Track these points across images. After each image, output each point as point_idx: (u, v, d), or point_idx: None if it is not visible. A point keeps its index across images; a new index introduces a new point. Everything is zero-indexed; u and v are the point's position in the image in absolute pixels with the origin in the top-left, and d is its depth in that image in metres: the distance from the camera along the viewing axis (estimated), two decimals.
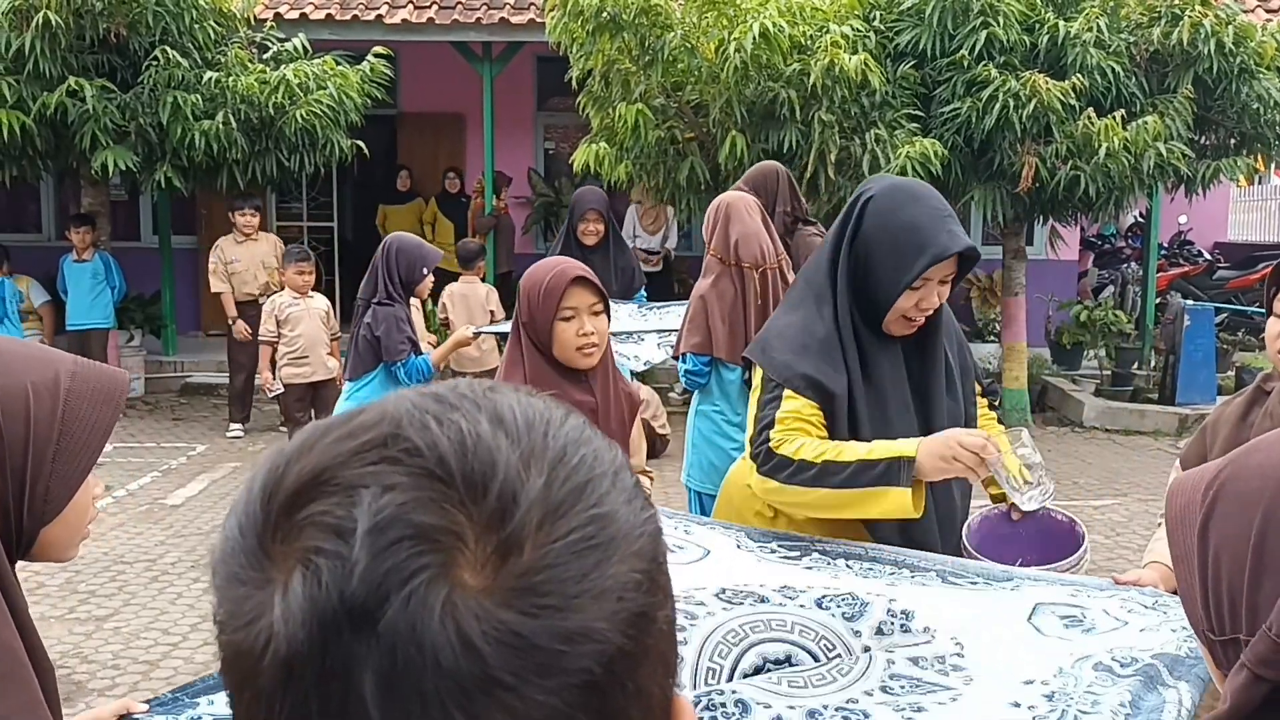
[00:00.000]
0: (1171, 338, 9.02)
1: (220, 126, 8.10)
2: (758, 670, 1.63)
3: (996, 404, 2.66)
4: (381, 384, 4.49)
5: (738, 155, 7.65)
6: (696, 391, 4.15)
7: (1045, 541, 2.26)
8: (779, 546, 2.14)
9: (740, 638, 1.68)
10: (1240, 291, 11.70)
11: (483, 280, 7.61)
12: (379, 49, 8.99)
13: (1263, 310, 2.96)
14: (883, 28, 8.03)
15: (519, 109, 11.58)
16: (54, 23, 7.76)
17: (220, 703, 1.58)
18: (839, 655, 1.67)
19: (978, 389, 2.61)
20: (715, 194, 5.25)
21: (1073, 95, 7.48)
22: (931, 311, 2.30)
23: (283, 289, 7.25)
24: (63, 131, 8.18)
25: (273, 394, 7.63)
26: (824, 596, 1.80)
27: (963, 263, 2.30)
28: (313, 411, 7.02)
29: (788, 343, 2.34)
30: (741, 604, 1.77)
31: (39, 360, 1.32)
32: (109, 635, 4.76)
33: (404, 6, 10.09)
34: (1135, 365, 9.92)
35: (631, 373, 5.58)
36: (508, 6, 10.08)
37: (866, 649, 1.69)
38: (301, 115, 8.31)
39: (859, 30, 7.71)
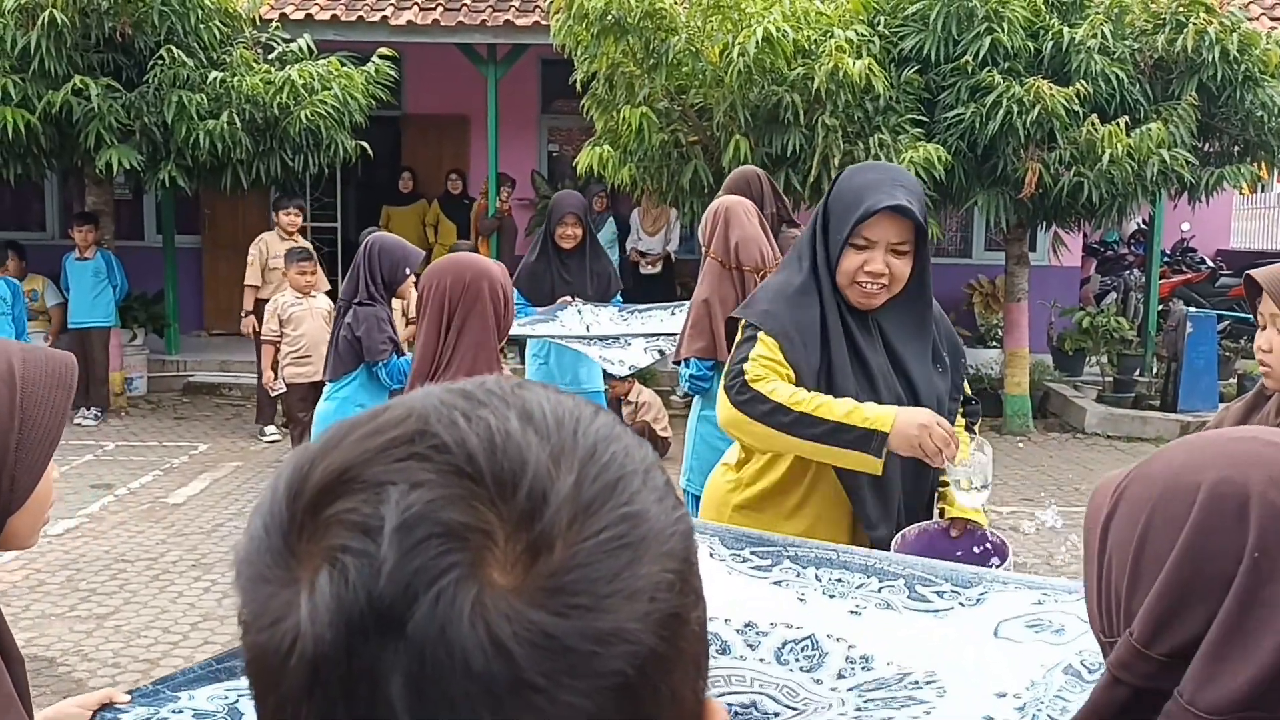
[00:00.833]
0: (1174, 345, 9.01)
1: (225, 126, 8.11)
2: None
3: (974, 425, 2.66)
4: (363, 385, 4.46)
5: (741, 159, 7.64)
6: (698, 396, 4.15)
7: (975, 561, 2.32)
8: (751, 554, 2.11)
9: None
10: (1243, 299, 11.66)
11: None
12: (384, 50, 9.00)
13: None
14: (887, 32, 8.04)
15: (523, 111, 11.60)
16: (60, 21, 7.77)
17: (201, 697, 1.57)
18: (805, 699, 1.67)
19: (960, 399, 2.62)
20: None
21: (1076, 101, 7.49)
22: (887, 282, 2.33)
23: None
24: (67, 130, 8.19)
25: (275, 393, 7.65)
26: (783, 646, 1.79)
27: (921, 237, 2.36)
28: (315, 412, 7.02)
29: (768, 294, 2.48)
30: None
31: None
32: (109, 633, 4.77)
33: (409, 8, 10.11)
34: (1137, 372, 9.91)
35: (627, 375, 5.57)
36: (513, 9, 10.10)
37: (834, 689, 1.69)
38: (306, 116, 8.31)
39: (863, 35, 7.72)
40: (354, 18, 9.91)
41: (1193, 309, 9.47)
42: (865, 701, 1.62)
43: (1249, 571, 0.96)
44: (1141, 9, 8.04)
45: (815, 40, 7.59)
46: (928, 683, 1.65)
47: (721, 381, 2.44)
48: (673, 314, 5.41)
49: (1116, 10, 8.02)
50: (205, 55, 8.43)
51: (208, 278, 11.77)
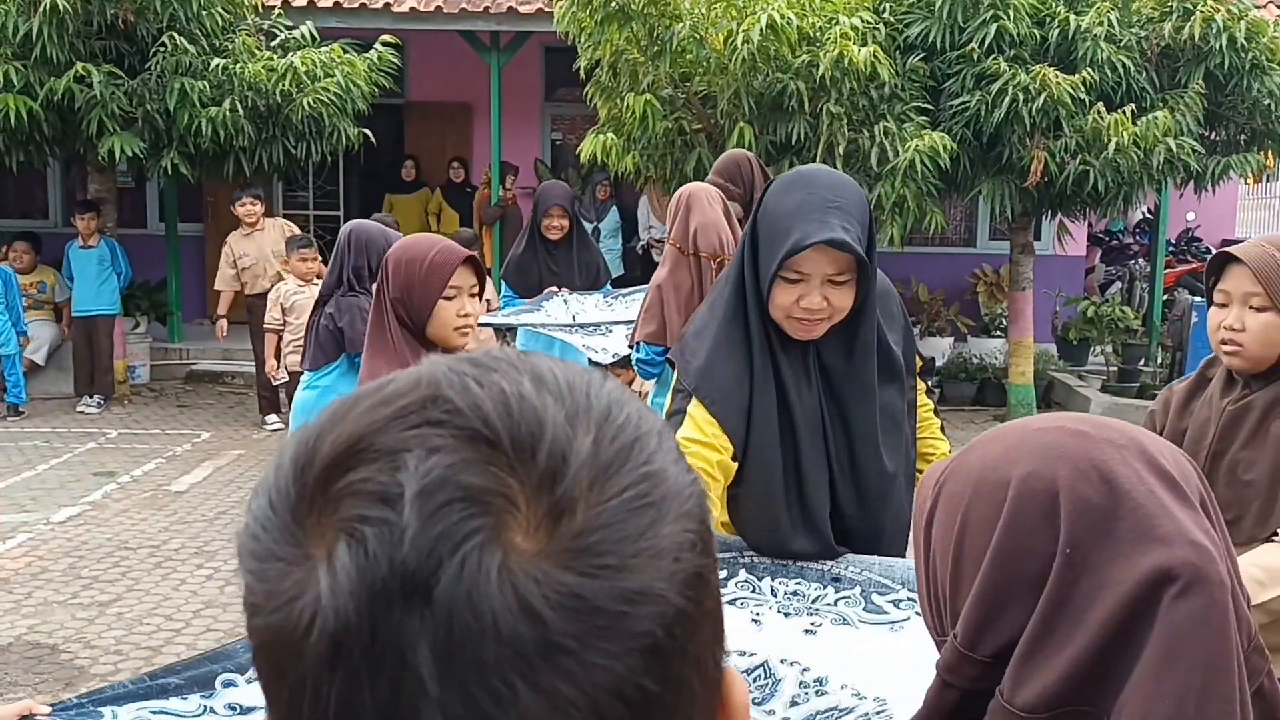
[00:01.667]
0: (1178, 334, 8.99)
1: (227, 114, 8.08)
2: None
3: (935, 393, 2.60)
4: (343, 375, 4.43)
5: (746, 147, 7.61)
6: (654, 383, 4.12)
7: None
8: None
9: None
10: None
11: None
12: (387, 37, 8.97)
13: None
14: (892, 20, 8.00)
15: (526, 99, 11.56)
16: (62, 8, 7.74)
17: (125, 715, 1.51)
18: None
19: (931, 414, 2.54)
20: None
21: (1083, 89, 7.45)
22: (826, 315, 2.06)
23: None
24: (70, 117, 8.17)
25: (278, 382, 7.64)
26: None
27: (866, 267, 2.06)
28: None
29: (698, 336, 2.21)
30: None
31: None
32: (112, 620, 4.77)
33: None
34: (1142, 362, 9.89)
35: (611, 363, 5.52)
36: None
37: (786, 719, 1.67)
38: (308, 103, 8.29)
39: (868, 22, 7.68)
40: (357, 4, 9.87)
41: (1198, 298, 9.43)
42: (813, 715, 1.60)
43: (1061, 568, 0.94)
44: None
45: (820, 27, 7.56)
46: (877, 713, 1.64)
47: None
48: None
49: None
50: (208, 42, 8.40)
51: (210, 266, 11.70)
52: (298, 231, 8.48)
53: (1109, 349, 9.74)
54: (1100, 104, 7.57)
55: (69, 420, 8.52)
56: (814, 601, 1.95)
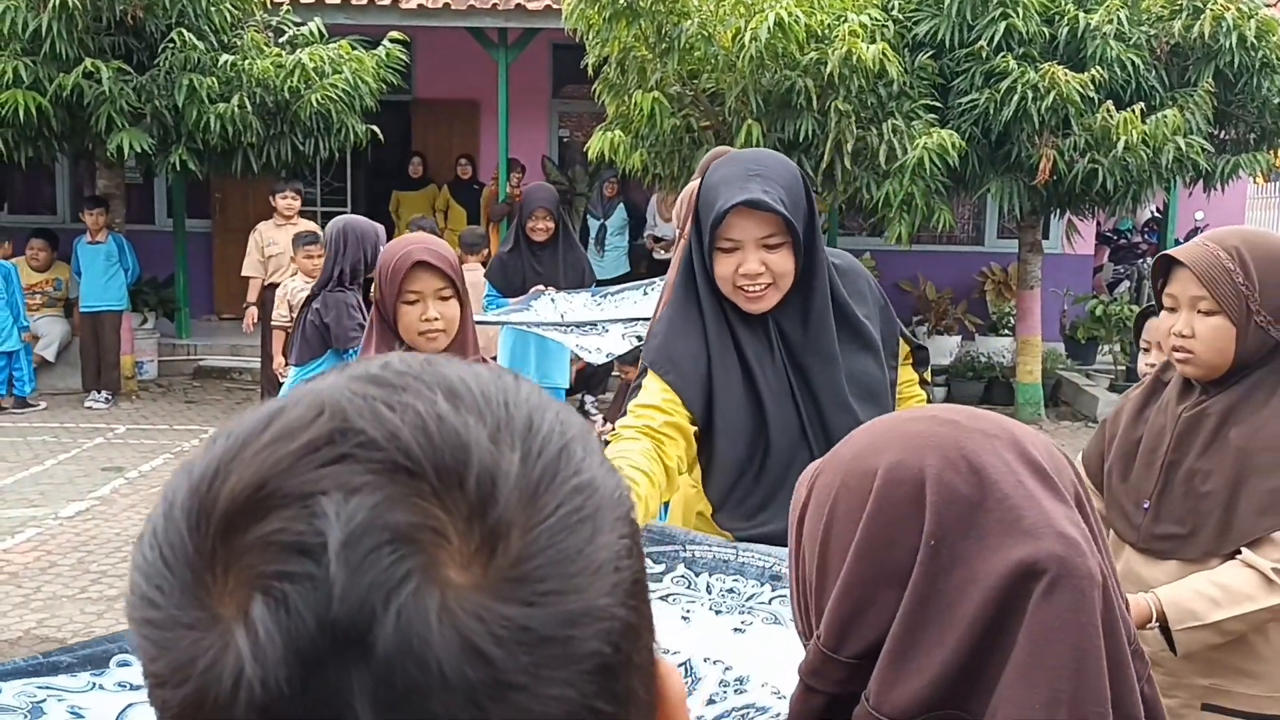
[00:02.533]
0: None
1: (235, 110, 8.09)
2: None
3: (931, 387, 2.60)
4: (329, 370, 4.44)
5: (753, 144, 7.61)
6: None
7: None
8: (648, 558, 2.01)
9: None
10: None
11: (485, 266, 7.59)
12: (395, 34, 8.97)
13: None
14: (901, 17, 7.98)
15: (534, 96, 11.56)
16: (70, 4, 7.75)
17: (9, 692, 1.48)
18: None
19: (906, 355, 2.47)
20: None
21: (1092, 88, 7.43)
22: (769, 281, 2.13)
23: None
24: (78, 113, 8.17)
25: (285, 379, 7.64)
26: None
27: (797, 231, 2.13)
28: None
29: (661, 325, 2.31)
30: None
31: None
32: (120, 615, 4.76)
33: None
34: None
35: (605, 361, 5.47)
36: None
37: (700, 717, 1.65)
38: (317, 100, 8.30)
39: (877, 20, 7.67)
40: (364, 1, 9.88)
41: None
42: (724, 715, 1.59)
43: (926, 561, 0.90)
44: None
45: (828, 25, 7.55)
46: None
47: None
48: (645, 294, 5.37)
49: None
50: (216, 38, 8.41)
51: (218, 262, 11.77)
52: (315, 229, 8.48)
53: (1117, 348, 9.73)
54: (1109, 102, 7.55)
55: (77, 415, 8.54)
56: (749, 599, 1.92)
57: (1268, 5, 8.68)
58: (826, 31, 7.53)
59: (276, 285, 8.26)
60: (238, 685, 0.43)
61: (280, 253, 8.37)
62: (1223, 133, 8.45)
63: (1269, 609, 1.94)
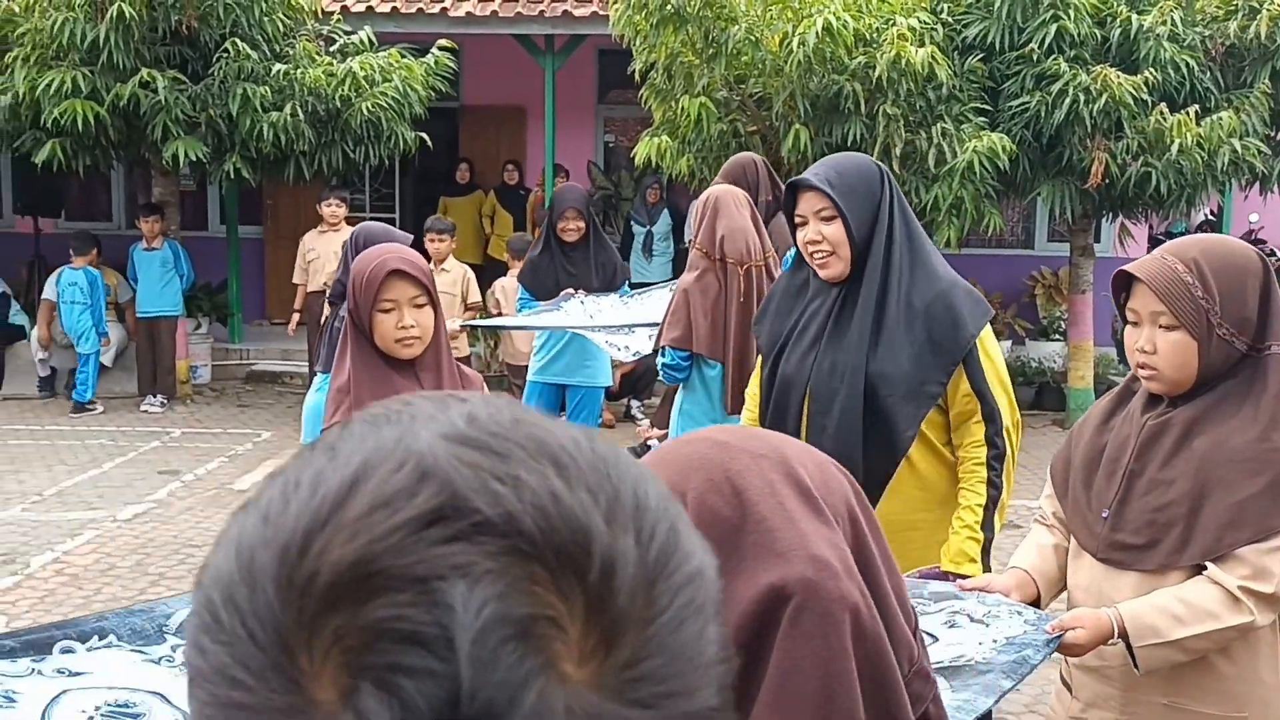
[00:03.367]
0: None
1: (288, 118, 8.21)
2: None
3: (996, 445, 2.57)
4: None
5: (801, 149, 7.60)
6: (681, 387, 4.07)
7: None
8: None
9: None
10: None
11: None
12: (443, 42, 9.05)
13: None
14: (950, 20, 7.93)
15: (579, 102, 11.61)
16: (128, 15, 7.90)
17: None
18: None
19: (973, 404, 2.53)
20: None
21: (1145, 90, 7.34)
22: (828, 249, 2.59)
23: None
24: (135, 122, 8.33)
25: (313, 385, 7.74)
26: None
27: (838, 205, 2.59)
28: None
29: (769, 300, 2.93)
30: None
31: None
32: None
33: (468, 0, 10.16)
34: None
35: (632, 359, 5.51)
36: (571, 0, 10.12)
37: None
38: (367, 107, 8.40)
39: (926, 23, 7.62)
40: (414, 9, 9.98)
41: None
42: None
43: None
44: None
45: (876, 29, 7.51)
46: None
47: None
48: (670, 292, 5.38)
49: None
50: (269, 48, 8.53)
51: (269, 267, 11.93)
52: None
53: None
54: (1163, 105, 7.45)
55: (133, 419, 8.69)
56: None
57: None
58: (875, 35, 7.49)
59: (322, 291, 8.38)
60: None
61: (318, 258, 8.49)
62: (1279, 134, 8.31)
63: (1234, 628, 1.88)
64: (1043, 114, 7.51)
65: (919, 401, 2.51)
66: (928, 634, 1.83)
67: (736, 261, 3.85)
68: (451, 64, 9.06)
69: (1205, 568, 1.93)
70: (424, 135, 9.02)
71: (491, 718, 0.40)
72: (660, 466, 0.94)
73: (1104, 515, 2.05)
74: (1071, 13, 7.51)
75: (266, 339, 10.99)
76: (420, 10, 9.98)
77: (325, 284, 8.39)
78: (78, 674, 1.56)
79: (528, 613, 0.41)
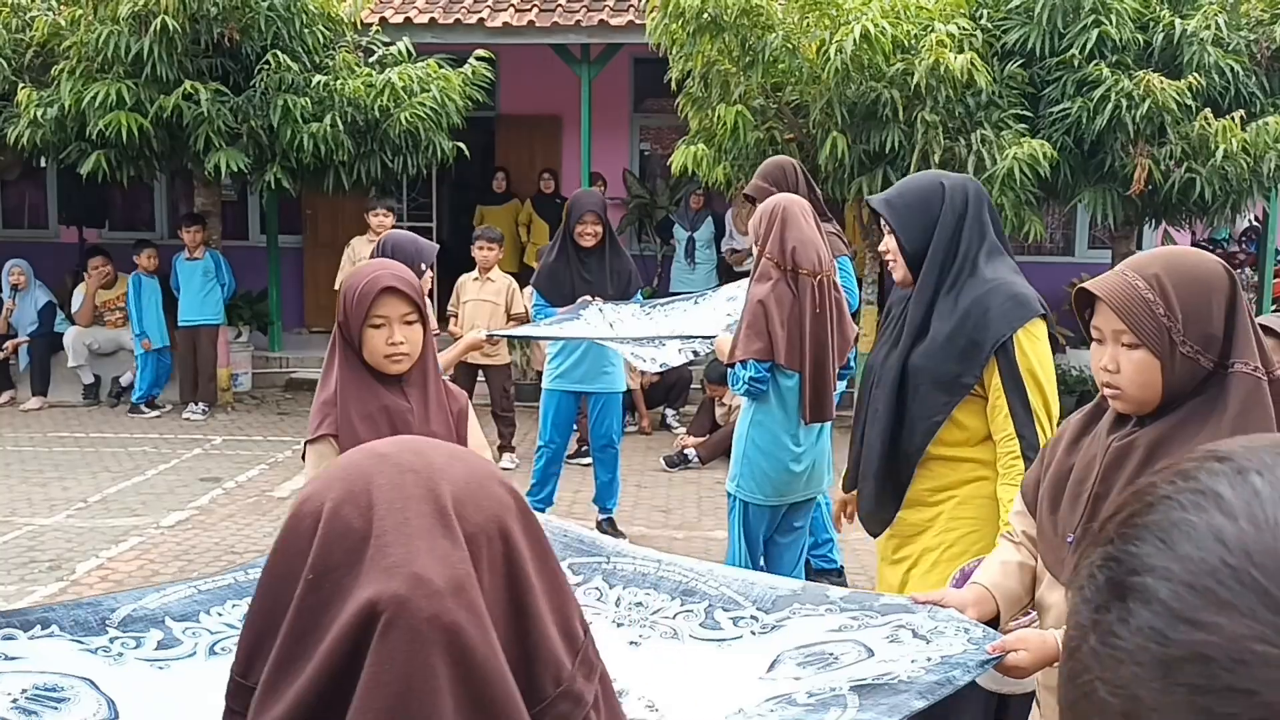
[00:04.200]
0: None
1: (328, 129, 8.28)
2: None
3: (1025, 436, 2.78)
4: None
5: (838, 156, 7.57)
6: (751, 399, 3.99)
7: None
8: (569, 567, 1.98)
9: None
10: None
11: None
12: (480, 52, 9.11)
13: None
14: (990, 26, 7.88)
15: (615, 110, 11.63)
16: (171, 28, 8.01)
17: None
18: None
19: (1002, 398, 2.76)
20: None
21: (1189, 95, 7.25)
22: (892, 257, 2.93)
23: None
24: (178, 133, 8.44)
25: None
26: None
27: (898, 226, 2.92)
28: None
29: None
30: None
31: None
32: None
33: (505, 10, 10.21)
34: None
35: (658, 371, 5.47)
36: (607, 9, 10.13)
37: None
38: (405, 118, 8.45)
39: (965, 29, 7.57)
40: (451, 20, 10.04)
41: None
42: None
43: (304, 595, 0.90)
44: None
45: (914, 35, 7.47)
46: None
47: None
48: (695, 303, 5.33)
49: (1231, 0, 7.74)
50: (309, 59, 8.62)
51: (308, 276, 12.04)
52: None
53: None
54: (1207, 110, 7.36)
55: (175, 427, 8.79)
56: (654, 614, 1.92)
57: None
58: (913, 42, 7.45)
59: None
60: None
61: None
62: None
63: None
64: (1084, 120, 7.44)
65: (952, 391, 2.81)
66: (865, 648, 1.79)
67: (809, 273, 3.84)
68: (488, 74, 9.12)
69: None
70: (462, 145, 9.07)
71: None
72: (329, 471, 0.97)
73: (1069, 540, 1.99)
74: (1113, 17, 7.44)
75: (306, 347, 11.08)
76: (458, 21, 10.05)
77: None
78: (13, 659, 1.60)
79: None
